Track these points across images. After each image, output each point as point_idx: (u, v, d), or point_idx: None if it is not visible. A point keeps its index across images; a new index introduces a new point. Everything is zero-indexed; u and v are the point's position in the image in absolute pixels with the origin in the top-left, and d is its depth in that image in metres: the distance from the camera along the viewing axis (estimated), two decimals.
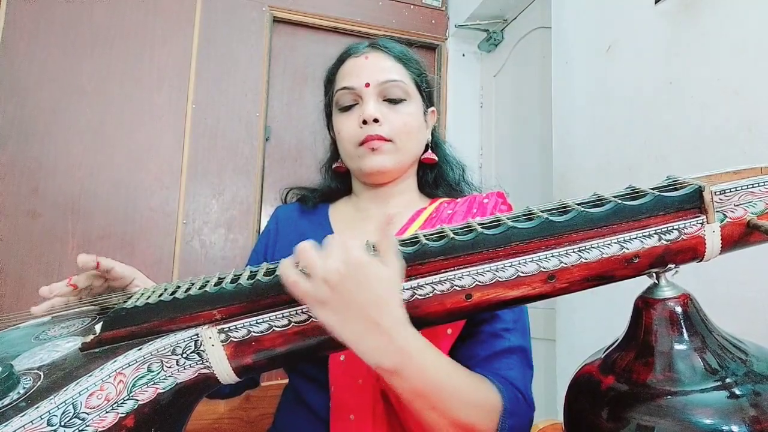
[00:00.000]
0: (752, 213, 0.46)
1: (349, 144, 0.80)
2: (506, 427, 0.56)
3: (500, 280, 0.47)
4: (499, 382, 0.59)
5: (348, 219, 0.86)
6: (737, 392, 0.41)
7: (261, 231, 0.96)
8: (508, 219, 0.49)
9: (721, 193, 0.46)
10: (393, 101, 0.79)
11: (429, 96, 0.86)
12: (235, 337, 0.48)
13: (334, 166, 0.90)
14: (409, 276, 0.49)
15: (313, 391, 0.71)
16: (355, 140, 0.79)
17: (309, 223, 0.86)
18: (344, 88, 0.80)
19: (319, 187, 0.93)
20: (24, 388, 0.43)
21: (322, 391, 0.68)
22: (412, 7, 2.28)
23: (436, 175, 0.88)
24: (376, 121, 0.77)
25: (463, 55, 2.32)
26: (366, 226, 0.81)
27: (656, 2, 1.19)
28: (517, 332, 0.68)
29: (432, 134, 0.88)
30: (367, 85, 0.78)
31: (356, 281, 0.45)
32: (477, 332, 0.67)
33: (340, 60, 0.84)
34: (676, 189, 0.47)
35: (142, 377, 0.45)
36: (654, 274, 0.48)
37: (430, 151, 0.87)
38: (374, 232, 0.49)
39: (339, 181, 0.91)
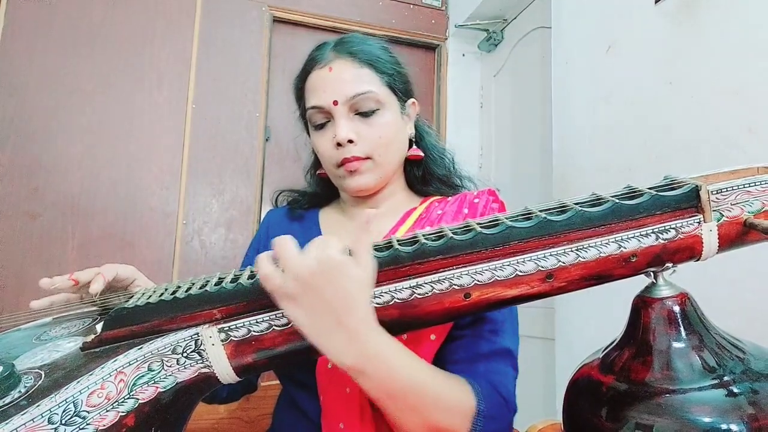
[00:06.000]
0: (749, 212, 0.46)
1: (328, 164, 0.78)
2: (480, 430, 0.55)
3: (499, 279, 0.48)
4: (478, 384, 0.59)
5: (337, 223, 0.85)
6: (735, 390, 0.41)
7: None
8: (506, 219, 0.50)
9: (717, 193, 0.46)
10: (365, 114, 0.75)
11: (406, 90, 0.82)
12: (236, 337, 0.48)
13: (318, 172, 0.88)
14: (408, 275, 0.49)
15: (305, 397, 0.71)
16: (333, 161, 0.77)
17: (299, 228, 0.86)
18: (313, 107, 0.76)
19: (309, 189, 0.91)
20: (25, 386, 0.43)
21: (314, 398, 0.68)
22: (412, 7, 2.28)
23: (423, 172, 0.85)
24: (350, 141, 0.74)
25: (463, 55, 2.33)
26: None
27: (656, 2, 1.19)
28: (503, 334, 0.66)
29: (416, 126, 0.85)
30: (335, 102, 0.74)
31: (326, 279, 0.46)
32: (461, 335, 0.66)
33: (305, 71, 0.80)
34: (673, 188, 0.47)
35: (143, 376, 0.46)
36: (652, 274, 0.48)
37: (414, 146, 0.84)
38: (352, 233, 0.49)
39: (325, 186, 0.89)
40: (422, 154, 0.84)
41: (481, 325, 0.66)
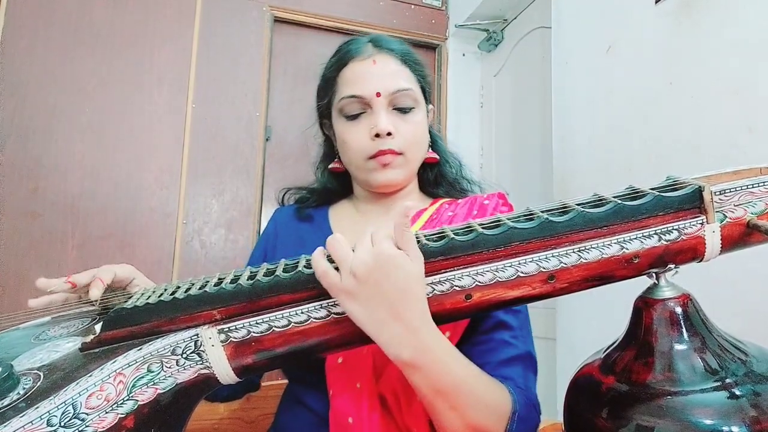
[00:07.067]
0: (752, 213, 0.46)
1: (358, 156, 0.77)
2: (514, 431, 0.56)
3: (500, 280, 0.47)
4: (511, 387, 0.60)
5: (349, 221, 0.84)
6: (737, 392, 0.41)
7: (260, 232, 0.94)
8: (508, 219, 0.49)
9: (720, 193, 0.46)
10: (403, 110, 0.76)
11: (430, 95, 0.85)
12: (235, 338, 0.48)
13: (330, 166, 0.86)
14: None
15: (311, 393, 0.71)
16: (365, 153, 0.76)
17: (309, 226, 0.85)
18: (352, 96, 0.76)
19: (317, 187, 0.90)
20: (24, 388, 0.43)
21: (321, 394, 0.68)
22: (412, 7, 2.28)
23: (436, 174, 0.87)
24: (389, 134, 0.74)
25: (463, 55, 2.33)
26: (367, 228, 0.80)
27: (656, 2, 1.19)
28: (524, 338, 0.68)
29: (429, 131, 0.86)
30: (378, 94, 0.75)
31: (383, 273, 0.47)
32: (486, 340, 0.67)
33: (342, 61, 0.79)
34: (675, 189, 0.47)
35: (142, 377, 0.45)
36: (654, 275, 0.48)
37: (430, 149, 0.85)
38: (393, 227, 0.49)
39: (337, 182, 0.88)
40: (438, 157, 0.85)
41: (502, 331, 0.67)
